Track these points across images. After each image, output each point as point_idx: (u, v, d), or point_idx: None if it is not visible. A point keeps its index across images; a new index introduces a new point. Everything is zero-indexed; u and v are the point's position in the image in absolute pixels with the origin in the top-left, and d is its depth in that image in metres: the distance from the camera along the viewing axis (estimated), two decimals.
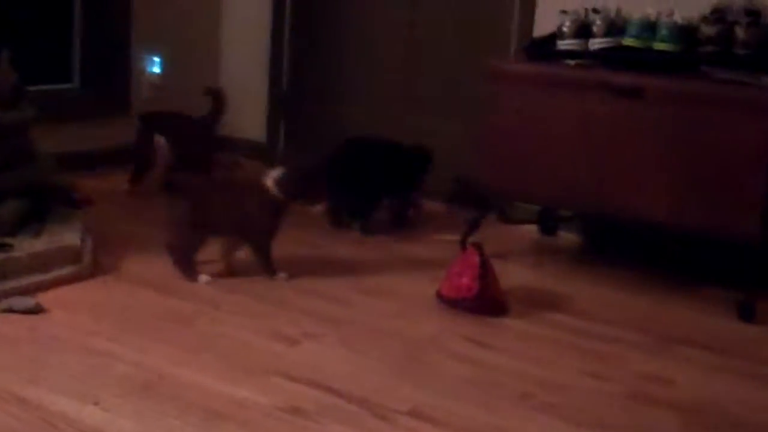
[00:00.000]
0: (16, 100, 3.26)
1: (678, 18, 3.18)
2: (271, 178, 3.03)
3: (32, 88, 3.55)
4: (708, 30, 3.14)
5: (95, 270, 3.01)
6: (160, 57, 4.57)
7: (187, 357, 2.46)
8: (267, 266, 3.09)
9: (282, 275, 3.10)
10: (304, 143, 4.66)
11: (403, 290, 3.10)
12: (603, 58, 3.28)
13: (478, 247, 2.95)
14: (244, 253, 3.13)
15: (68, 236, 3.06)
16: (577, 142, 3.22)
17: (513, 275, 3.23)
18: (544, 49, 3.40)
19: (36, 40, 4.26)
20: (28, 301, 2.67)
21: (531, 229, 3.85)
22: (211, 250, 3.09)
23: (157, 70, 4.58)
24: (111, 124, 4.34)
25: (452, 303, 2.92)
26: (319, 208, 3.13)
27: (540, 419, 2.26)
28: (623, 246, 3.63)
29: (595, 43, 3.30)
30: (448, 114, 4.24)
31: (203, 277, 3.03)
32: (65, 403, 2.15)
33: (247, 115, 4.74)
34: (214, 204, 3.01)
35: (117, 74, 4.46)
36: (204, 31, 4.80)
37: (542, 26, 3.69)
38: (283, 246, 3.43)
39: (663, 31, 3.18)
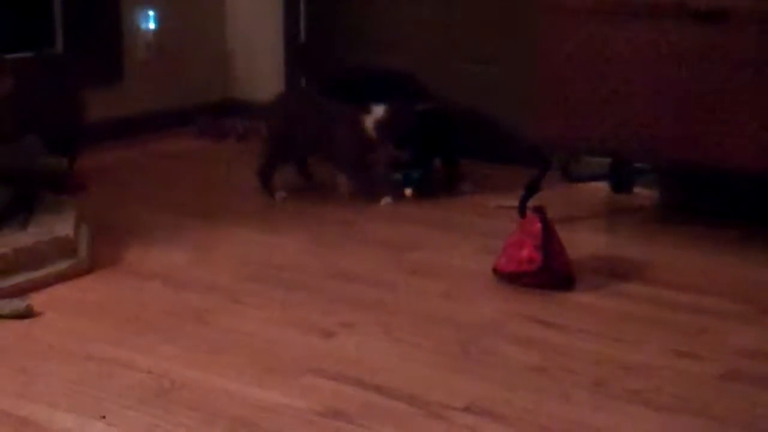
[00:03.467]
0: None
1: None
2: (371, 117, 3.60)
3: (8, 56, 3.57)
4: None
5: (93, 264, 3.04)
6: (154, 10, 4.58)
7: (206, 359, 2.47)
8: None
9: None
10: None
11: (453, 267, 3.10)
12: None
13: (540, 211, 2.94)
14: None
15: (60, 226, 3.08)
16: (652, 80, 3.19)
17: (582, 242, 3.21)
18: None
19: None
20: (17, 304, 2.70)
21: (601, 187, 3.83)
22: None
23: (152, 25, 4.59)
24: (102, 93, 4.36)
25: (512, 278, 2.92)
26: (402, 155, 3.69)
27: (622, 408, 2.24)
28: (710, 202, 3.59)
29: None
30: (492, 57, 4.21)
31: (280, 194, 3.67)
32: (66, 420, 2.16)
33: (262, 73, 4.75)
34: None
35: (106, 34, 4.47)
36: None
37: None
38: (309, 223, 3.46)
39: None
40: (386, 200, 3.69)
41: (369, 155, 3.66)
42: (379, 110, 3.61)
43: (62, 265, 2.95)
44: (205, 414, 2.19)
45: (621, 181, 3.81)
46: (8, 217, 3.08)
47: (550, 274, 2.88)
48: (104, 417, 2.17)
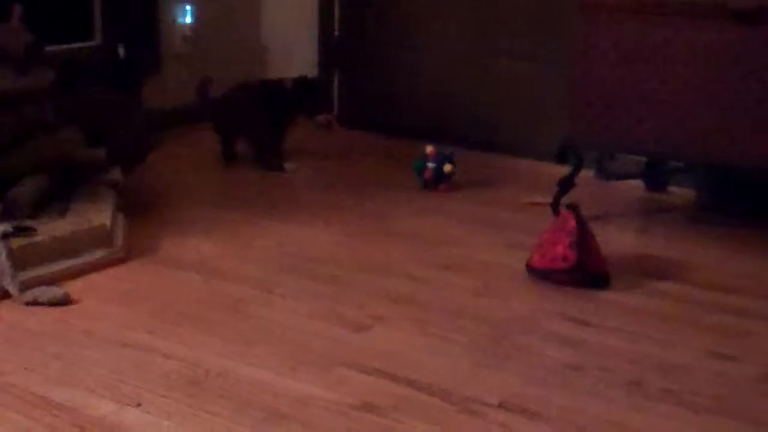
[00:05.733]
0: (31, 62, 3.27)
1: None
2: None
3: (48, 48, 3.57)
4: None
5: (129, 253, 3.03)
6: (191, 4, 4.58)
7: (239, 349, 2.46)
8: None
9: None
10: (363, 94, 4.65)
11: (486, 263, 3.07)
12: None
13: (574, 209, 2.91)
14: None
15: (97, 216, 3.08)
16: (689, 80, 3.16)
17: (616, 240, 3.19)
18: None
19: None
20: (55, 291, 2.69)
21: (636, 186, 3.80)
22: None
23: (188, 19, 4.59)
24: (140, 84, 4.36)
25: (546, 275, 2.89)
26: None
27: (657, 409, 2.21)
28: (746, 201, 3.56)
29: None
30: (530, 55, 4.18)
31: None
32: (103, 406, 2.16)
33: (296, 65, 4.72)
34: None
35: (143, 27, 4.47)
36: None
37: None
38: (342, 216, 3.44)
39: None
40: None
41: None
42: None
43: (99, 254, 2.95)
44: (239, 404, 2.18)
45: (656, 179, 3.78)
46: (47, 206, 3.08)
47: (585, 272, 2.85)
48: (140, 404, 2.16)
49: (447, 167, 3.76)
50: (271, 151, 4.03)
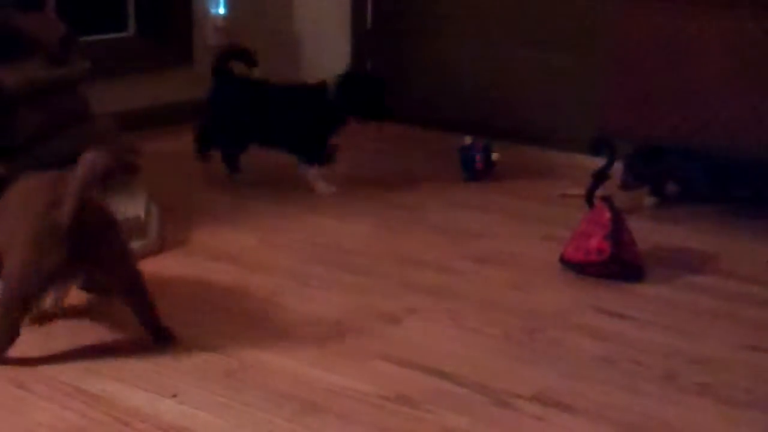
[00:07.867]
0: (66, 53, 3.30)
1: None
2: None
3: (83, 39, 3.60)
4: None
5: (163, 244, 3.06)
6: None
7: (274, 340, 2.48)
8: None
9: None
10: (396, 85, 4.64)
11: (520, 255, 3.07)
12: None
13: (609, 201, 2.91)
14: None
15: (131, 207, 3.09)
16: (725, 71, 3.15)
17: (651, 233, 3.17)
18: None
19: None
20: None
21: None
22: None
23: (221, 10, 4.61)
24: (172, 75, 4.39)
25: (580, 268, 2.89)
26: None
27: (690, 402, 2.21)
28: None
29: None
30: (566, 47, 4.17)
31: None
32: (138, 397, 2.18)
33: (327, 57, 4.74)
34: None
35: (177, 18, 4.50)
36: None
37: None
38: (376, 208, 3.45)
39: None
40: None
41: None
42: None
43: (133, 246, 2.95)
44: (273, 395, 2.20)
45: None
46: None
47: (620, 264, 2.84)
48: (175, 395, 2.19)
49: (495, 156, 3.78)
50: None
